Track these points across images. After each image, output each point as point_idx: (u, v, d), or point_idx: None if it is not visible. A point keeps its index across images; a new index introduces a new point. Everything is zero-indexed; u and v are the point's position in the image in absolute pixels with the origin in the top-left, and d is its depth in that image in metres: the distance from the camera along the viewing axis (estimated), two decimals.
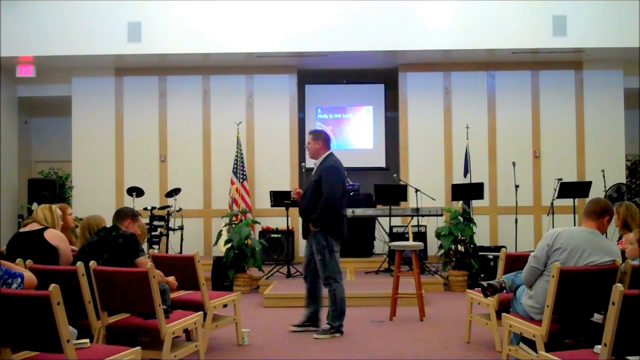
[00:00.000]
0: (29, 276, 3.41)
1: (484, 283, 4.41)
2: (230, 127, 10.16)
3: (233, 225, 8.29)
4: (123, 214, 4.71)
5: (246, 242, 7.87)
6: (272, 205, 8.94)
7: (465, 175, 9.90)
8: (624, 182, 10.24)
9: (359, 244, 9.57)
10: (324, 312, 5.74)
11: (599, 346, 2.94)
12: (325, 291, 5.67)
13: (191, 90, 10.60)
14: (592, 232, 3.92)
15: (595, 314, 3.89)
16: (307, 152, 5.83)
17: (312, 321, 5.74)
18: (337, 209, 5.55)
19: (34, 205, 8.76)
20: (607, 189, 9.71)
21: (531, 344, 3.94)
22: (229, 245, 7.94)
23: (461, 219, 8.04)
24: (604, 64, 10.34)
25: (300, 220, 6.03)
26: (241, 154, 10.03)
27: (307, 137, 5.78)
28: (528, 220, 10.17)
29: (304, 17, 9.51)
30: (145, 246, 6.60)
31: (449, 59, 10.22)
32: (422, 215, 8.94)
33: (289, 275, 8.37)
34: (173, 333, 4.14)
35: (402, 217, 9.89)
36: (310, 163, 10.27)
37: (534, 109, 10.45)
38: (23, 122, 11.48)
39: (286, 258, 8.98)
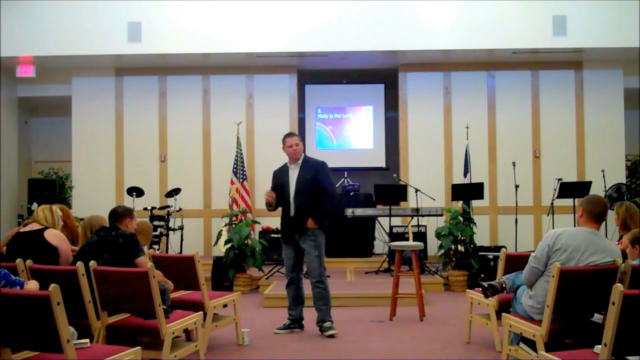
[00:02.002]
0: (30, 288, 3.42)
1: (484, 283, 4.41)
2: (230, 127, 10.16)
3: (233, 225, 8.29)
4: (120, 214, 4.66)
5: (246, 242, 7.87)
6: None
7: (465, 175, 9.90)
8: (624, 182, 10.24)
9: (359, 244, 9.57)
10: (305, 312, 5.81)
11: (599, 346, 2.94)
12: (307, 290, 5.70)
13: (191, 90, 10.60)
14: (592, 232, 3.92)
15: (595, 314, 3.89)
16: (294, 153, 5.69)
17: (298, 322, 5.75)
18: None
19: (34, 205, 8.76)
20: (607, 189, 9.71)
21: (531, 344, 3.94)
22: (229, 245, 7.94)
23: (461, 219, 8.04)
24: (604, 64, 10.34)
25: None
26: (241, 154, 10.03)
27: (295, 139, 5.69)
28: (528, 220, 10.18)
29: (304, 17, 9.51)
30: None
31: (449, 59, 10.22)
32: (422, 215, 8.94)
33: None
34: (173, 333, 4.14)
35: (402, 217, 9.89)
36: None
37: (534, 109, 10.45)
38: (23, 122, 11.49)
39: None
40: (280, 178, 5.78)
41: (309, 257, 5.57)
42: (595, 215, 3.94)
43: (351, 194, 9.69)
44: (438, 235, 8.07)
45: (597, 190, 9.35)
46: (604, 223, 4.12)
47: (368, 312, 6.56)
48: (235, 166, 9.97)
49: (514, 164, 9.85)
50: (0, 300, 2.96)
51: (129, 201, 9.29)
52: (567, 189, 8.95)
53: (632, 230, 4.31)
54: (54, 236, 4.64)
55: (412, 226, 8.86)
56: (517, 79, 10.47)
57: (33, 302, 2.93)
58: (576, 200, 9.28)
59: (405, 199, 9.54)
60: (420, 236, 9.20)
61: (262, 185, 10.27)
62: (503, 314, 4.32)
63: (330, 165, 5.81)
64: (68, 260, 4.60)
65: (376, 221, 9.80)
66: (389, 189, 9.18)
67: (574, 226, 7.83)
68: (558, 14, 9.37)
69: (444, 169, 10.45)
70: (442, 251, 8.13)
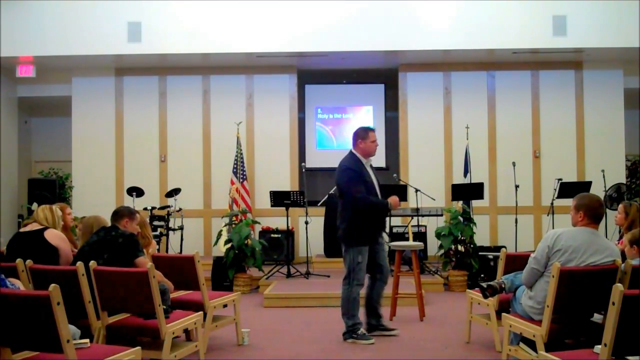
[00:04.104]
0: None
1: (484, 284, 4.41)
2: (230, 127, 10.16)
3: (233, 225, 8.29)
4: (120, 214, 4.70)
5: (246, 242, 7.87)
6: (272, 205, 8.94)
7: (465, 175, 9.90)
8: (624, 182, 10.24)
9: None
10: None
11: (599, 346, 2.94)
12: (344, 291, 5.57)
13: (191, 90, 10.60)
14: (592, 232, 3.91)
15: (595, 314, 3.89)
16: (375, 149, 5.50)
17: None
18: None
19: (34, 205, 8.77)
20: (607, 189, 9.71)
21: (531, 344, 3.94)
22: (229, 245, 7.95)
23: (461, 219, 8.05)
24: (604, 64, 10.33)
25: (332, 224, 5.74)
26: (241, 154, 10.02)
27: (375, 134, 5.51)
28: (528, 220, 10.17)
29: (304, 17, 9.51)
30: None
31: (449, 59, 10.22)
32: (422, 215, 8.93)
33: (289, 275, 8.37)
34: (173, 333, 4.14)
35: (402, 217, 9.89)
36: (310, 163, 10.33)
37: (534, 109, 10.45)
38: (23, 122, 11.48)
39: (286, 258, 8.99)
40: (365, 175, 5.36)
41: (383, 254, 5.51)
42: (597, 216, 3.94)
43: None
44: (438, 235, 8.07)
45: (597, 190, 9.34)
46: (603, 223, 4.12)
47: None
48: (235, 166, 9.96)
49: (514, 164, 9.85)
50: (0, 300, 2.96)
51: (129, 201, 9.29)
52: (567, 189, 8.94)
53: (632, 231, 4.31)
54: (54, 236, 4.65)
55: (412, 226, 8.85)
56: (517, 79, 10.47)
57: (33, 302, 2.93)
58: None
59: (405, 199, 9.51)
60: (420, 236, 9.20)
61: (262, 185, 10.29)
62: (503, 314, 4.32)
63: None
64: (68, 260, 4.60)
65: None
66: (389, 189, 9.15)
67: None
68: (558, 14, 9.36)
69: (444, 169, 10.44)
70: (442, 251, 8.14)
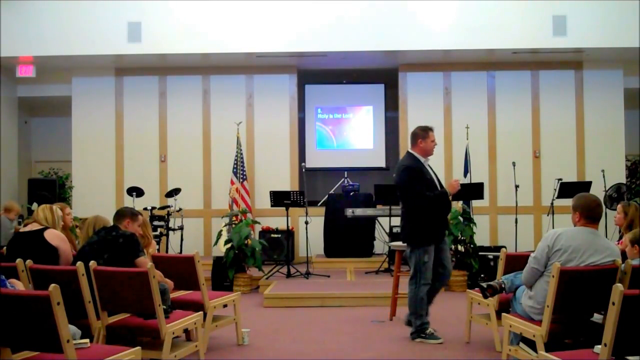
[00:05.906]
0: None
1: (483, 284, 4.41)
2: (230, 127, 10.16)
3: (233, 225, 8.29)
4: (122, 214, 4.71)
5: (246, 242, 7.87)
6: (272, 205, 8.94)
7: (465, 175, 9.90)
8: (624, 182, 10.24)
9: (359, 244, 9.57)
10: None
11: (599, 346, 2.94)
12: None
13: (191, 90, 10.60)
14: (592, 232, 3.91)
15: (595, 314, 3.89)
16: (433, 149, 5.50)
17: None
18: None
19: (34, 205, 8.77)
20: (607, 189, 9.71)
21: (531, 344, 3.94)
22: (229, 245, 7.95)
23: (461, 219, 8.04)
24: (604, 64, 10.34)
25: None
26: (241, 154, 10.02)
27: (434, 133, 5.49)
28: (528, 220, 10.17)
29: (304, 17, 9.51)
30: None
31: (449, 59, 10.22)
32: None
33: (289, 275, 8.37)
34: (173, 333, 4.14)
35: None
36: (310, 163, 10.33)
37: (534, 109, 10.45)
38: (23, 122, 11.49)
39: (286, 258, 8.99)
40: (425, 173, 5.40)
41: (447, 253, 5.48)
42: (594, 216, 3.94)
43: (351, 194, 9.69)
44: None
45: (597, 190, 9.34)
46: (603, 223, 4.12)
47: (368, 312, 6.56)
48: (235, 166, 9.96)
49: (514, 164, 9.85)
50: (0, 300, 2.96)
51: (129, 201, 9.30)
52: (567, 189, 8.93)
53: (632, 230, 4.31)
54: (54, 236, 4.65)
55: None
56: (517, 79, 10.47)
57: (33, 302, 2.93)
58: None
59: None
60: None
61: (262, 185, 10.29)
62: (503, 314, 4.32)
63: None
64: (68, 260, 4.60)
65: (376, 221, 9.79)
66: (389, 189, 9.16)
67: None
68: (558, 14, 9.37)
69: (444, 169, 10.43)
70: None
